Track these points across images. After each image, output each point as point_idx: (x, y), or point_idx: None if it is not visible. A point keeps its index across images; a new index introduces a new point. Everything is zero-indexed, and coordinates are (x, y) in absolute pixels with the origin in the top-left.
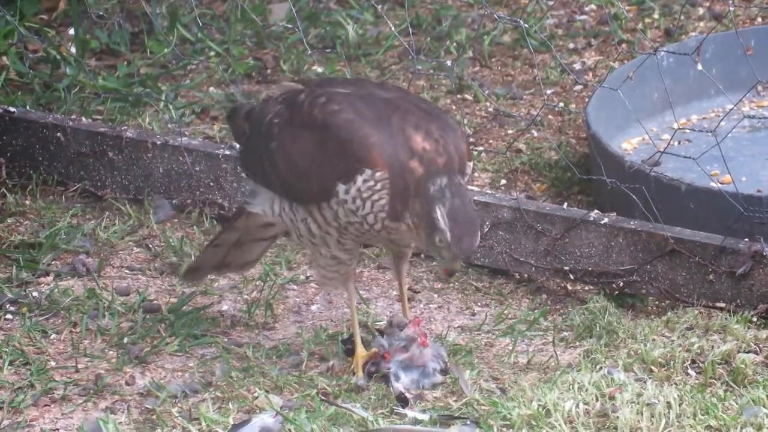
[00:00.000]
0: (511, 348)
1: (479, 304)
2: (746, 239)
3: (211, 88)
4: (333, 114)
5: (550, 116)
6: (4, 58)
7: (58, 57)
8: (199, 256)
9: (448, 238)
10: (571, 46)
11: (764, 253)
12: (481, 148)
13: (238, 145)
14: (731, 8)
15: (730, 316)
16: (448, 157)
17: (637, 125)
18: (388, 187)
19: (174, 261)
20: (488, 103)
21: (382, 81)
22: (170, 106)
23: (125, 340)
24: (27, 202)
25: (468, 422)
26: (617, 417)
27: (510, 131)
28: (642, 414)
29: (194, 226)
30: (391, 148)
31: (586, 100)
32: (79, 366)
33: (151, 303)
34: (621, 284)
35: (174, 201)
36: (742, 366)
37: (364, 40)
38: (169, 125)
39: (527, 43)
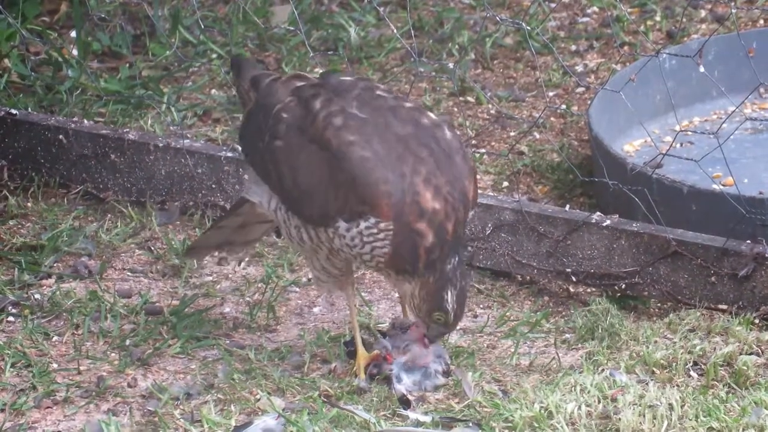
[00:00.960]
0: (513, 350)
1: (481, 306)
2: (748, 241)
3: (213, 91)
4: (348, 145)
5: (552, 118)
6: (7, 60)
7: (60, 59)
8: (202, 237)
9: (451, 319)
10: (573, 48)
11: (766, 255)
12: (483, 151)
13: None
14: (733, 10)
15: (732, 318)
16: (456, 219)
17: (639, 127)
18: (390, 239)
19: (176, 263)
20: (490, 106)
21: (396, 93)
22: (172, 109)
23: (127, 342)
24: (29, 204)
25: (470, 424)
26: (619, 419)
27: (512, 133)
28: (644, 416)
29: (196, 229)
30: (400, 201)
31: (588, 102)
32: (81, 368)
33: (153, 305)
34: (623, 286)
35: (176, 203)
36: (744, 368)
37: (366, 42)
38: (171, 127)
39: (529, 46)
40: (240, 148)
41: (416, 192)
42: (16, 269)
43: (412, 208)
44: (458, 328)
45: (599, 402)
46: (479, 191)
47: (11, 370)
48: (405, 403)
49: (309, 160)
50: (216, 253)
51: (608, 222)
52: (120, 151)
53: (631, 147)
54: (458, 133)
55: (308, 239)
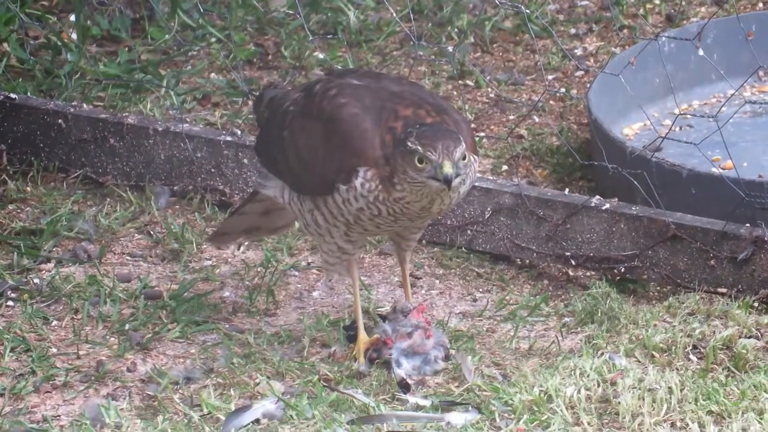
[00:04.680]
0: (512, 334)
1: (481, 290)
2: (747, 225)
3: (213, 75)
4: (339, 107)
5: (551, 102)
6: (5, 44)
7: (59, 43)
8: (225, 223)
9: (420, 150)
10: (573, 31)
11: (765, 239)
12: (482, 134)
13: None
14: None
15: (731, 301)
16: (426, 117)
17: (639, 111)
18: (378, 178)
19: (175, 247)
20: (489, 89)
21: (381, 71)
22: (171, 93)
23: (126, 326)
24: (28, 188)
25: (469, 408)
26: (619, 402)
27: (511, 117)
28: (643, 399)
29: (195, 213)
30: (381, 136)
31: (588, 85)
32: (81, 353)
33: (152, 289)
34: (622, 270)
35: (175, 187)
36: (744, 351)
37: (366, 26)
38: (171, 112)
39: (528, 29)
40: (256, 153)
41: (395, 110)
42: (15, 254)
43: (385, 128)
44: (449, 150)
45: (599, 386)
46: (479, 175)
47: (10, 354)
48: (404, 387)
49: (309, 135)
50: (243, 240)
51: (607, 205)
52: (119, 136)
53: (631, 130)
54: None
55: (323, 221)
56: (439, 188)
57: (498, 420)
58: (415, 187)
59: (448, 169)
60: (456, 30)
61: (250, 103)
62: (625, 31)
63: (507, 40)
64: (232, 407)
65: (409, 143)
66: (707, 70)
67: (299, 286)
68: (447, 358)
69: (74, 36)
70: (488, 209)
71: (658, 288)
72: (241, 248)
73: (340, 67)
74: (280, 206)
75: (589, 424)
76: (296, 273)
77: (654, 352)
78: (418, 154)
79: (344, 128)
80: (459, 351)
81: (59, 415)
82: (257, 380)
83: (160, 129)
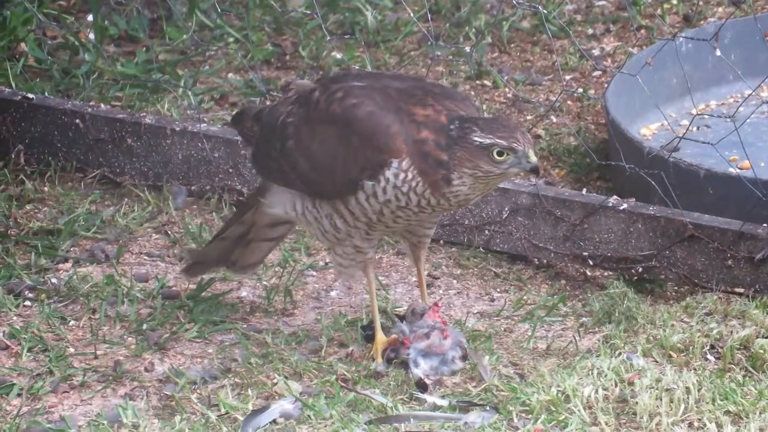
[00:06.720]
0: (530, 334)
1: (498, 289)
2: (765, 225)
3: (230, 75)
4: (352, 107)
5: (569, 102)
6: (23, 44)
7: (77, 43)
8: (203, 250)
9: (503, 143)
10: (590, 31)
11: None
12: None
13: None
14: None
15: (749, 301)
16: (448, 112)
17: (656, 111)
18: (416, 170)
19: (193, 247)
20: (507, 89)
21: (398, 71)
22: (189, 93)
23: (144, 326)
24: (46, 188)
25: (487, 408)
26: (636, 402)
27: (529, 117)
28: (661, 399)
29: (213, 213)
30: (405, 132)
31: (605, 85)
32: (98, 352)
33: (170, 289)
34: (640, 270)
35: (193, 187)
36: (761, 351)
37: (383, 26)
38: (188, 111)
39: (546, 29)
40: (255, 169)
41: (409, 113)
42: (33, 253)
43: (411, 127)
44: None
45: (616, 385)
46: None
47: (28, 354)
48: (422, 387)
49: (321, 140)
50: (213, 271)
51: (625, 205)
52: (137, 135)
53: (648, 130)
54: None
55: (343, 224)
56: (516, 174)
57: (515, 420)
58: (488, 179)
59: (534, 157)
60: (473, 30)
61: (268, 103)
62: (643, 31)
63: (524, 41)
64: (250, 407)
65: (477, 138)
66: (724, 71)
67: (317, 285)
68: (464, 358)
69: (92, 36)
70: (506, 209)
71: (676, 288)
72: None
73: (335, 72)
74: (261, 236)
75: (606, 424)
76: (314, 273)
77: (671, 352)
78: (497, 147)
79: (364, 127)
80: (476, 351)
81: (77, 416)
82: (275, 380)
83: (177, 129)
